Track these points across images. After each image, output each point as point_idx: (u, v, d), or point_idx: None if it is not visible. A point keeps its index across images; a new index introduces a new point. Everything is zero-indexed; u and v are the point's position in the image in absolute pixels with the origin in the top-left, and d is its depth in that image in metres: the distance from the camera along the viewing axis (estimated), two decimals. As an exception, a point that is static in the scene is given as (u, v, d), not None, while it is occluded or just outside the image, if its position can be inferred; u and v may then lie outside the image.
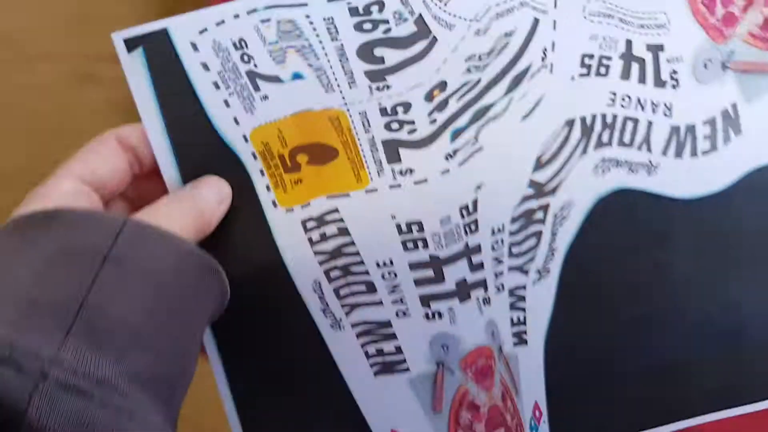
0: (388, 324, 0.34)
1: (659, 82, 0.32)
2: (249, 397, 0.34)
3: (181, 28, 0.32)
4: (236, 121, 0.33)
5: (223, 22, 0.32)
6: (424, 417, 0.35)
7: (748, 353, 0.34)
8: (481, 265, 0.33)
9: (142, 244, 0.29)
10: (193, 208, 0.32)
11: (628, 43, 0.32)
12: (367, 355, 0.34)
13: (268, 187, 0.33)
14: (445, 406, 0.35)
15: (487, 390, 0.34)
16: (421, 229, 0.33)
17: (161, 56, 0.33)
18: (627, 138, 0.32)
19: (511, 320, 0.34)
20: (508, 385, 0.34)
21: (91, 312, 0.26)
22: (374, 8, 0.31)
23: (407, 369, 0.34)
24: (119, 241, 0.28)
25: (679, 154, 0.32)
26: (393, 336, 0.34)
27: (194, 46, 0.32)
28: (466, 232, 0.33)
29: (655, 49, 0.32)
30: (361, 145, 0.33)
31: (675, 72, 0.32)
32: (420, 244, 0.33)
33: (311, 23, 0.32)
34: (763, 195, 0.32)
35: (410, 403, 0.35)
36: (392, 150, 0.33)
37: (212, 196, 0.33)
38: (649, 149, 0.32)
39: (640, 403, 0.34)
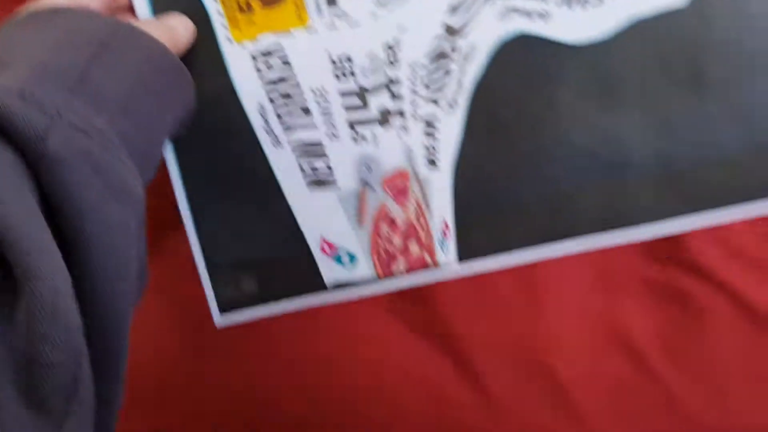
0: (320, 144, 0.40)
1: None
2: (200, 200, 0.41)
3: None
4: (200, -33, 0.39)
5: None
6: (350, 228, 0.41)
7: (628, 183, 0.39)
8: (400, 96, 0.39)
9: (132, 40, 0.34)
10: (165, 31, 0.37)
11: None
12: (302, 171, 0.40)
13: (224, 26, 0.39)
14: (368, 220, 0.41)
15: (404, 207, 0.40)
16: (350, 61, 0.39)
17: None
18: (527, -10, 0.38)
19: (425, 147, 0.40)
20: (421, 205, 0.40)
21: (90, 80, 0.31)
22: None
23: (336, 185, 0.40)
24: (115, 33, 0.33)
25: (569, 5, 0.37)
26: (324, 155, 0.40)
27: None
28: (388, 66, 0.39)
29: None
30: (305, -8, 0.39)
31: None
32: (349, 75, 0.39)
33: None
34: (641, 44, 0.37)
35: (338, 215, 0.41)
36: None
37: (179, 24, 0.38)
38: (545, 0, 0.38)
39: (534, 223, 0.40)
